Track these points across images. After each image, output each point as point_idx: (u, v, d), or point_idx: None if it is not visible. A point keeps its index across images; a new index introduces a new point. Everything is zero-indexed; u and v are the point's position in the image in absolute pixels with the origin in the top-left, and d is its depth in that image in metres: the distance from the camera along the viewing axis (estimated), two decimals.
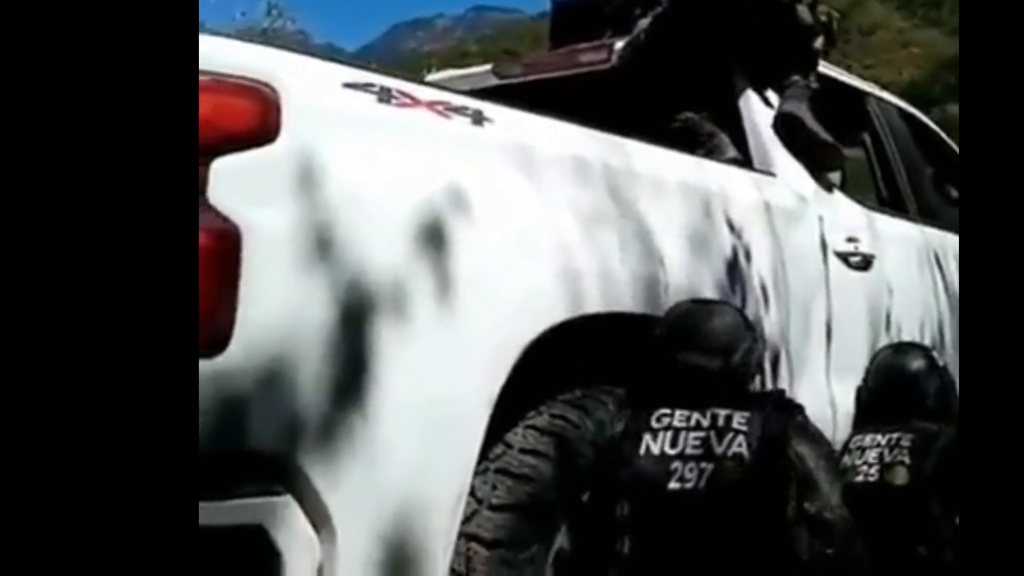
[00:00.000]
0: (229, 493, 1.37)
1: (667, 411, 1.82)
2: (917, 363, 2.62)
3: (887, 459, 2.50)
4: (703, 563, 1.72)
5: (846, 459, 2.61)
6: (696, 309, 1.98)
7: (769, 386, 2.47)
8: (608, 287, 1.96)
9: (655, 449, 1.78)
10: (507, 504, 1.70)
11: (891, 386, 2.62)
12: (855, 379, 2.54)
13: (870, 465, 2.52)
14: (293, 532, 1.40)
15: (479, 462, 1.69)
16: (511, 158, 1.89)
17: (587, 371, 1.93)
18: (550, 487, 1.76)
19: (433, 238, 1.68)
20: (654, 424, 1.81)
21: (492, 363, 1.70)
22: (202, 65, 1.36)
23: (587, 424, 1.86)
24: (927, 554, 2.40)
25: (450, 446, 1.63)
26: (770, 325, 2.42)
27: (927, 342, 2.91)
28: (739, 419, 1.80)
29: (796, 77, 2.83)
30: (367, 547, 1.49)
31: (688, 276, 2.18)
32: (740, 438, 1.78)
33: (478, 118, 1.87)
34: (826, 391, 2.60)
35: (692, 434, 1.79)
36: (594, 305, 1.91)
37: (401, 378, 1.56)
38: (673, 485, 1.75)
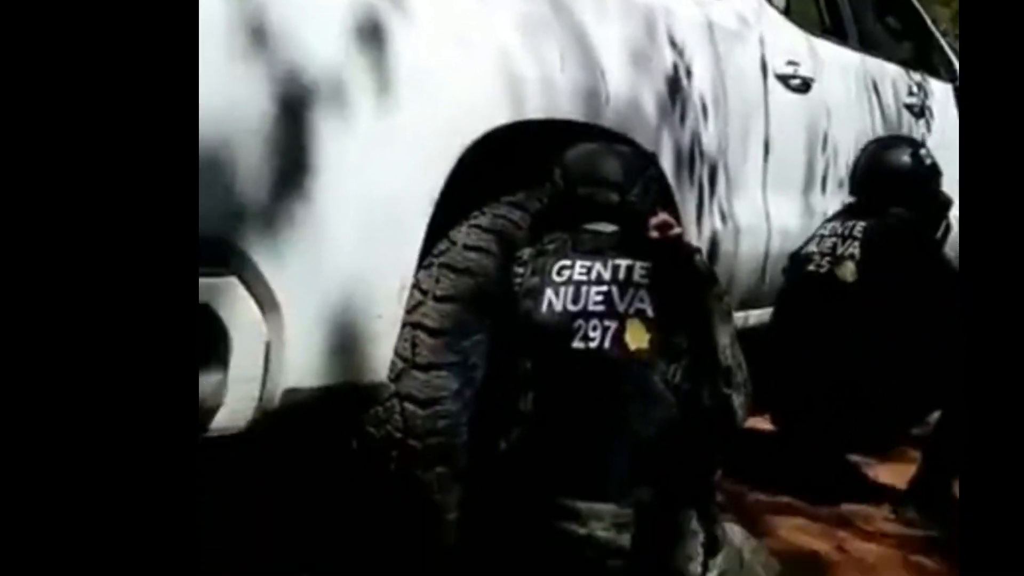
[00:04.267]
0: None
1: (567, 263, 1.75)
2: (898, 154, 2.71)
3: (839, 251, 2.61)
4: (606, 425, 1.65)
5: (809, 246, 2.71)
6: (593, 147, 1.92)
7: (707, 200, 2.55)
8: (549, 94, 1.97)
9: (557, 305, 1.71)
10: (451, 296, 1.76)
11: (869, 176, 2.72)
12: (791, 195, 2.62)
13: (823, 255, 2.64)
14: (238, 311, 1.44)
15: (423, 257, 1.74)
16: None
17: (528, 175, 1.96)
18: (492, 281, 1.82)
19: (372, 33, 1.66)
20: (555, 278, 1.74)
21: (433, 161, 1.72)
22: None
23: (525, 223, 1.90)
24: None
25: (391, 238, 1.66)
26: (708, 140, 2.46)
27: None
28: (640, 271, 1.73)
29: None
30: (313, 328, 1.54)
31: (629, 89, 2.20)
32: (642, 292, 1.70)
33: None
34: (762, 206, 2.68)
35: (594, 288, 1.71)
36: (535, 111, 1.93)
37: (342, 169, 1.57)
38: (577, 344, 1.68)
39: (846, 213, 2.74)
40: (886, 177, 2.68)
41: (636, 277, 1.72)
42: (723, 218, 2.60)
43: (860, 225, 2.61)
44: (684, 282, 1.76)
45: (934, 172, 2.74)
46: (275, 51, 1.52)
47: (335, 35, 1.61)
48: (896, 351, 2.46)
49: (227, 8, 1.47)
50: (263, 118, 1.50)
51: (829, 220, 2.76)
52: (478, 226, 1.85)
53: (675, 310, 1.72)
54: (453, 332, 1.75)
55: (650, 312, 1.70)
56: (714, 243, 2.55)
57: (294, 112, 1.54)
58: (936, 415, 2.53)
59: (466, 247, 1.81)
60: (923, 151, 2.77)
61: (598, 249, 1.77)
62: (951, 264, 2.60)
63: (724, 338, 1.73)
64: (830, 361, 2.53)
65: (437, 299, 1.75)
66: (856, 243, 2.57)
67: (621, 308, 1.70)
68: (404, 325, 1.71)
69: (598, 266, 1.74)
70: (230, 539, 1.85)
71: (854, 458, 2.78)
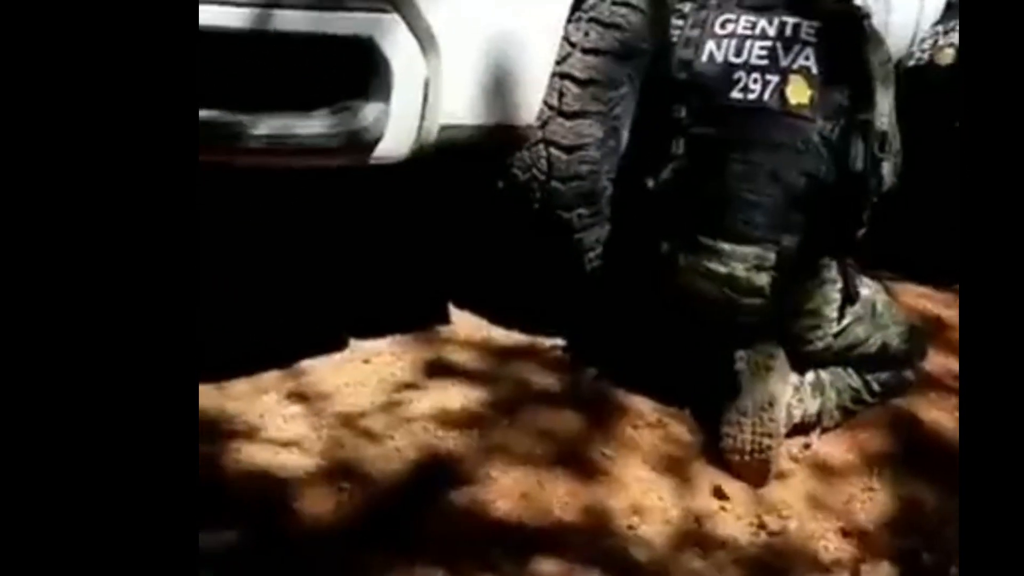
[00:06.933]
0: (341, 5, 1.51)
1: (732, 17, 1.77)
2: None
3: (939, 42, 2.56)
4: (757, 172, 1.70)
5: (913, 48, 2.70)
6: None
7: None
8: None
9: (718, 56, 1.75)
10: (598, 48, 1.81)
11: None
12: None
13: (923, 51, 2.61)
14: (400, 45, 1.54)
15: (573, 11, 1.79)
16: None
17: None
18: (638, 35, 1.85)
19: None
20: (718, 31, 1.77)
21: None
22: None
23: None
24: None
25: None
26: None
27: None
28: (807, 29, 1.74)
29: None
30: (468, 69, 1.64)
31: None
32: (808, 50, 1.73)
33: None
34: None
35: (758, 43, 1.74)
36: None
37: None
38: (735, 94, 1.72)
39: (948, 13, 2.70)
40: None
41: (803, 34, 1.74)
42: None
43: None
44: (851, 44, 1.76)
45: None
46: None
47: None
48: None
49: None
50: None
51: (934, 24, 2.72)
52: None
53: (839, 70, 1.74)
54: (599, 83, 1.81)
55: (814, 69, 1.73)
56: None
57: None
58: None
59: (615, 2, 1.84)
60: None
61: (765, 6, 1.79)
62: None
63: (884, 103, 1.75)
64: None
65: (585, 51, 1.80)
66: (955, 33, 2.54)
67: (784, 63, 1.74)
68: (553, 75, 1.78)
69: (763, 22, 1.76)
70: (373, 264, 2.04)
71: None
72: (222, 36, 1.42)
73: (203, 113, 1.43)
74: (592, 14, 1.83)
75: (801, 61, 1.74)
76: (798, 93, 1.74)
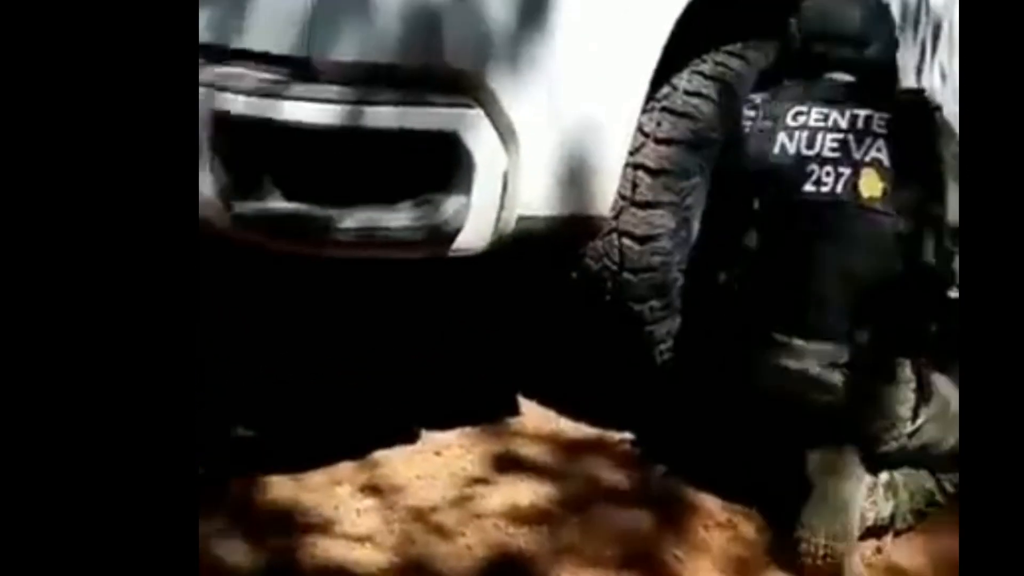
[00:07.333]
0: (424, 102, 1.51)
1: (803, 109, 1.77)
2: None
3: None
4: (831, 267, 1.69)
5: None
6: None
7: (928, 57, 2.46)
8: None
9: (790, 148, 1.75)
10: (671, 138, 1.81)
11: None
12: None
13: None
14: (483, 139, 1.54)
15: (646, 101, 1.79)
16: None
17: (747, 26, 1.95)
18: (710, 125, 1.85)
19: None
20: (790, 122, 1.76)
21: (663, 7, 1.75)
22: None
23: (747, 73, 1.91)
24: None
25: (621, 80, 1.72)
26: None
27: None
28: (879, 121, 1.73)
29: None
30: (547, 160, 1.63)
31: None
32: (880, 142, 1.72)
33: None
34: None
35: (830, 135, 1.74)
36: None
37: (580, 10, 1.64)
38: (808, 187, 1.72)
39: None
40: None
41: (875, 127, 1.74)
42: (943, 77, 2.51)
43: None
44: (923, 136, 1.75)
45: None
46: None
47: None
48: None
49: None
50: None
51: None
52: (700, 72, 1.87)
53: (911, 163, 1.73)
54: (671, 173, 1.81)
55: (886, 162, 1.71)
56: None
57: None
58: None
59: (687, 92, 1.84)
60: None
61: (836, 98, 1.78)
62: None
63: (955, 197, 1.73)
64: None
65: (658, 141, 1.81)
66: None
67: (857, 156, 1.73)
68: (626, 165, 1.78)
69: (835, 114, 1.76)
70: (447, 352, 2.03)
71: None
72: (313, 133, 1.43)
73: (294, 206, 1.44)
74: (665, 104, 1.84)
75: (873, 153, 1.74)
76: (871, 186, 1.73)
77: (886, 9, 1.97)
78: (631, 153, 1.79)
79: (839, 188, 1.72)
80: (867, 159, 1.73)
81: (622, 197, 1.79)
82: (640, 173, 1.80)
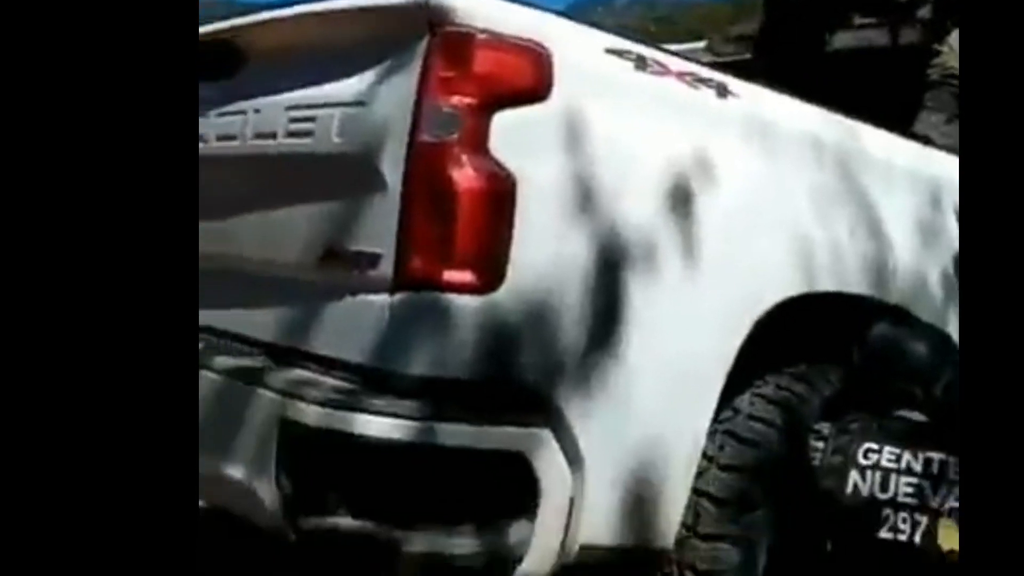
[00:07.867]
0: (495, 420, 1.47)
1: (875, 446, 1.74)
2: None
3: None
4: None
5: None
6: (896, 331, 1.91)
7: None
8: (839, 266, 1.97)
9: (863, 490, 1.70)
10: (735, 465, 1.74)
11: None
12: None
13: None
14: (550, 463, 1.49)
15: (711, 422, 1.74)
16: (753, 131, 1.92)
17: (812, 347, 1.94)
18: (776, 453, 1.79)
19: (681, 201, 1.73)
20: (861, 460, 1.72)
21: (731, 328, 1.74)
22: (481, 24, 1.47)
23: (811, 398, 1.88)
24: None
25: (689, 402, 1.69)
26: None
27: None
28: (954, 467, 1.69)
29: None
30: (612, 486, 1.57)
31: (916, 262, 2.16)
32: (957, 490, 1.67)
33: (722, 91, 1.91)
34: None
35: (903, 479, 1.70)
36: (825, 283, 1.92)
37: (650, 330, 1.63)
38: (884, 534, 1.67)
39: None
40: None
41: (951, 474, 1.67)
42: None
43: None
44: None
45: None
46: (598, 212, 1.60)
47: (651, 200, 1.68)
48: None
49: (561, 172, 1.57)
50: (584, 275, 1.57)
51: None
52: (762, 396, 1.84)
53: None
54: (736, 503, 1.73)
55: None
56: None
57: (611, 269, 1.60)
58: None
59: (751, 417, 1.80)
60: None
61: (908, 437, 1.73)
62: None
63: None
64: None
65: (721, 467, 1.74)
66: None
67: (934, 504, 1.67)
68: (690, 492, 1.70)
69: (908, 456, 1.71)
70: None
71: None
72: (386, 448, 1.37)
73: (360, 524, 1.36)
74: (728, 427, 1.78)
75: (951, 502, 1.67)
76: (950, 539, 1.65)
77: (950, 344, 1.96)
78: (695, 479, 1.71)
79: (917, 538, 1.65)
80: (945, 508, 1.67)
81: (685, 527, 1.70)
82: (703, 501, 1.72)
